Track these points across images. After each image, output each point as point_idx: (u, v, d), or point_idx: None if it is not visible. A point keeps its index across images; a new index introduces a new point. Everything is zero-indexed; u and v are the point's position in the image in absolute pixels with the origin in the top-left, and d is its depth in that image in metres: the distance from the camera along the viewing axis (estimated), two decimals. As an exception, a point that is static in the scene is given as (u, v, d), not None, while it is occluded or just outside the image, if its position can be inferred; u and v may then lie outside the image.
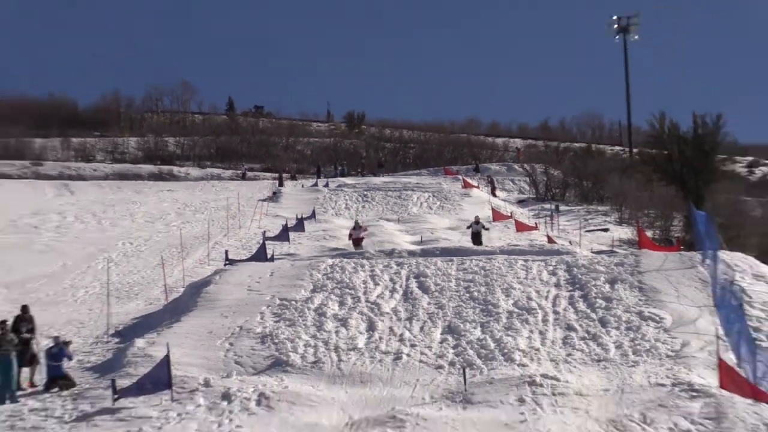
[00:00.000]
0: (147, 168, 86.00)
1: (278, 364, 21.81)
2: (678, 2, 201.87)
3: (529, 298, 25.99)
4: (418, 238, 41.56)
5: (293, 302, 25.92)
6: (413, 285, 27.35)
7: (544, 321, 24.37)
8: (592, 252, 35.30)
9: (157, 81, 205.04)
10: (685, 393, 19.02)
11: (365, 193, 59.46)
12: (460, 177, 68.06)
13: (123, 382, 19.52)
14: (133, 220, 51.57)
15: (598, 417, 18.07)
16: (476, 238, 39.85)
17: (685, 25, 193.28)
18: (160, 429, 17.40)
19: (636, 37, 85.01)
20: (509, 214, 50.07)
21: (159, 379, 19.08)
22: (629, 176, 61.84)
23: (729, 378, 19.20)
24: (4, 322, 21.16)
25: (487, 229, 40.72)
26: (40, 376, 21.25)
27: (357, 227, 39.85)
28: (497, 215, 48.73)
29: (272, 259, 33.15)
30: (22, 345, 21.15)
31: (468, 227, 41.08)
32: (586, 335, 23.34)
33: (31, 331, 22.05)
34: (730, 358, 21.18)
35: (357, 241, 38.64)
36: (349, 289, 26.99)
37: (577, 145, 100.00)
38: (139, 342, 23.20)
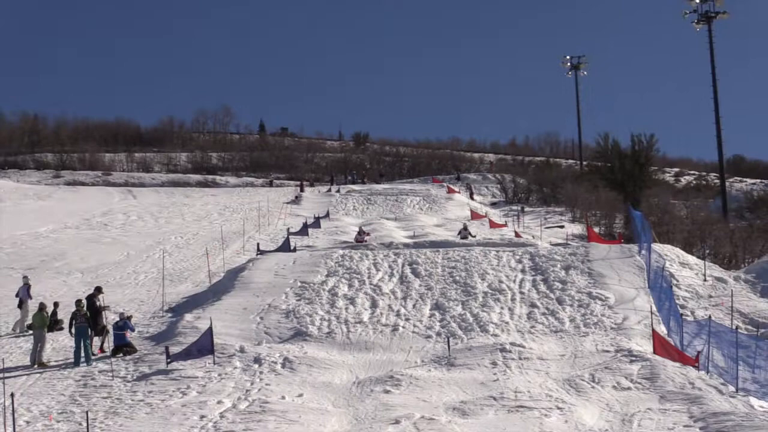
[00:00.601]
0: (195, 177, 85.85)
1: (299, 335, 21.71)
2: (619, 44, 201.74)
3: (500, 281, 25.88)
4: (412, 233, 41.41)
5: (311, 285, 25.81)
6: (407, 271, 27.23)
7: (512, 300, 24.26)
8: (550, 244, 35.16)
9: (203, 106, 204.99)
10: (625, 358, 18.94)
11: (369, 197, 59.30)
12: (445, 185, 67.99)
13: (174, 349, 19.44)
14: (184, 219, 51.42)
15: (556, 377, 17.99)
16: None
17: (626, 61, 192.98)
18: (204, 386, 17.32)
19: (585, 72, 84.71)
20: (484, 214, 49.97)
21: (203, 346, 19.02)
22: (580, 183, 61.68)
23: (661, 346, 19.15)
24: (79, 300, 21.06)
25: (473, 236, 39.32)
26: (108, 344, 21.14)
27: (361, 233, 39.44)
28: (474, 215, 48.71)
29: (294, 250, 33.01)
30: (94, 318, 21.01)
31: (458, 233, 39.74)
32: (546, 311, 23.23)
33: (101, 308, 21.87)
34: (662, 329, 21.13)
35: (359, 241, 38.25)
36: (356, 274, 26.87)
37: (538, 158, 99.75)
38: (188, 316, 23.09)
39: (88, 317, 20.59)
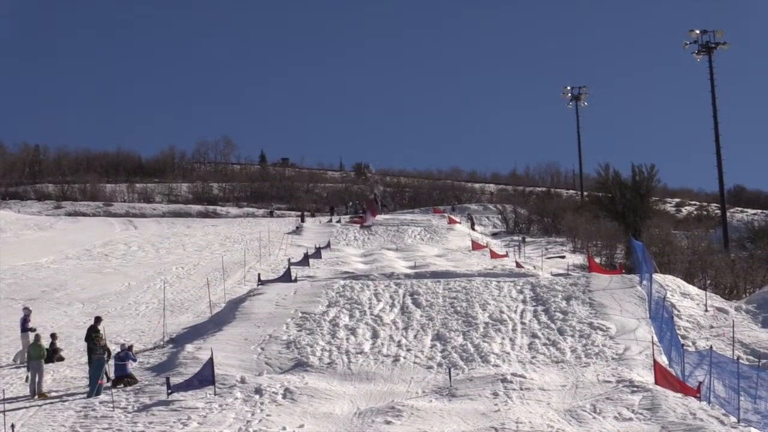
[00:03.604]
0: (196, 207, 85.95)
1: (300, 365, 21.72)
2: (620, 75, 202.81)
3: (501, 312, 25.90)
4: (413, 264, 41.44)
5: (312, 315, 25.84)
6: (408, 301, 27.27)
7: (514, 330, 24.28)
8: (551, 275, 35.19)
9: (204, 137, 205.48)
10: (627, 388, 18.94)
11: (370, 227, 59.34)
12: (446, 215, 67.99)
13: (175, 380, 19.46)
14: (185, 249, 51.48)
15: (558, 407, 17.99)
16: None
17: (627, 91, 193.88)
18: (205, 417, 17.33)
19: (585, 103, 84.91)
20: (485, 245, 50.00)
21: (204, 377, 19.04)
22: (581, 214, 61.78)
23: (662, 376, 19.14)
24: (95, 329, 21.17)
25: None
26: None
27: (374, 200, 35.07)
28: (476, 245, 48.71)
29: (296, 280, 33.04)
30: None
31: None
32: (547, 341, 23.25)
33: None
34: (663, 360, 21.13)
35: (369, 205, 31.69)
36: (357, 304, 26.91)
37: (539, 189, 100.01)
38: (189, 347, 23.10)
39: (107, 348, 20.78)
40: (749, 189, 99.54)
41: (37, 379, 19.96)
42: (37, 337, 21.19)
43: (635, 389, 18.72)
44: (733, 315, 26.12)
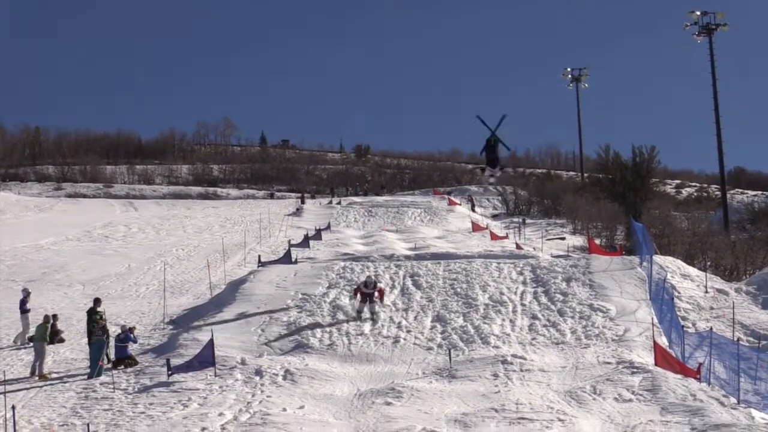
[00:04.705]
0: (196, 189, 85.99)
1: (300, 347, 21.72)
2: (621, 56, 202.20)
3: (501, 293, 25.88)
4: (413, 245, 41.40)
5: (313, 296, 25.82)
6: (408, 283, 27.24)
7: (514, 311, 24.26)
8: (551, 256, 35.15)
9: (204, 118, 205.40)
10: (627, 369, 18.93)
11: (370, 209, 59.33)
12: (446, 197, 67.98)
13: (176, 361, 19.44)
14: (185, 231, 51.45)
15: (558, 389, 17.98)
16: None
17: (628, 73, 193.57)
18: (205, 399, 17.32)
19: (586, 85, 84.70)
20: (485, 226, 49.95)
21: (205, 359, 19.03)
22: (581, 195, 61.75)
23: (662, 357, 19.13)
24: (95, 311, 21.16)
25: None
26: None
27: (369, 285, 24.06)
28: (476, 227, 48.66)
29: (296, 262, 32.99)
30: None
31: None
32: (547, 323, 23.23)
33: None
34: (663, 341, 21.12)
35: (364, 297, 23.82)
36: (358, 286, 26.86)
37: (539, 170, 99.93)
38: (189, 329, 23.10)
39: (107, 329, 20.77)
40: (749, 170, 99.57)
41: (39, 361, 19.97)
42: (46, 319, 21.28)
43: (635, 370, 18.71)
44: (733, 296, 26.10)
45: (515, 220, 58.31)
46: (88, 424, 14.53)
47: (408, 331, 22.83)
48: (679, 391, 17.14)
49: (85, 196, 78.14)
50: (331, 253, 39.14)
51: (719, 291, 26.77)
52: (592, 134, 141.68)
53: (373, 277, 25.65)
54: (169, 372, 18.76)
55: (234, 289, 27.52)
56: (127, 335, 20.87)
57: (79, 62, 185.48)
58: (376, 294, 24.13)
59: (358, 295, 24.10)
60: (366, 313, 23.79)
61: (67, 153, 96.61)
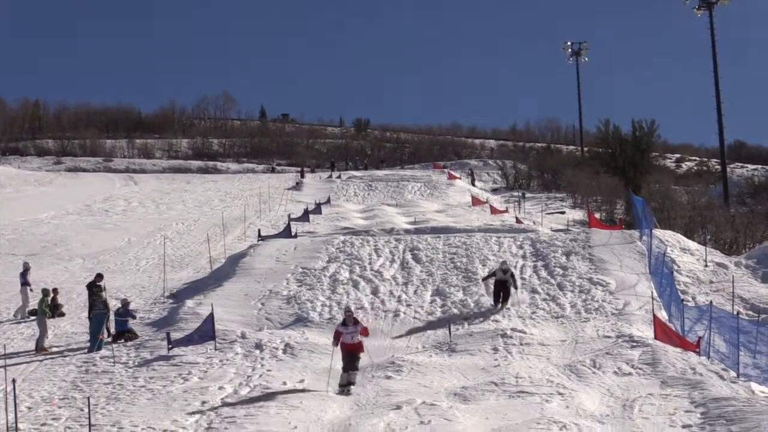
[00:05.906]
0: (196, 163, 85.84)
1: (300, 320, 21.71)
2: (621, 30, 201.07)
3: (502, 267, 25.79)
4: (413, 219, 41.35)
5: (312, 270, 25.79)
6: (408, 257, 27.20)
7: (513, 285, 24.18)
8: (551, 230, 35.12)
9: (204, 92, 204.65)
10: (626, 343, 18.92)
11: (370, 183, 59.20)
12: (446, 170, 67.87)
13: (176, 335, 19.43)
14: (185, 205, 51.37)
15: (557, 362, 17.97)
16: (500, 290, 22.43)
17: (628, 47, 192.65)
18: (205, 372, 17.31)
19: (586, 59, 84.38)
20: (485, 200, 49.91)
21: (205, 332, 19.00)
22: (581, 169, 61.66)
23: (662, 331, 19.12)
24: (96, 285, 21.13)
25: (515, 288, 22.59)
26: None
27: (348, 322, 17.00)
28: (476, 201, 48.61)
29: (296, 236, 32.96)
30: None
31: (487, 276, 23.53)
32: (547, 297, 23.21)
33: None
34: (663, 315, 21.10)
35: (350, 350, 16.78)
36: (357, 260, 26.84)
37: (539, 144, 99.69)
38: (189, 302, 23.08)
39: (107, 304, 20.74)
40: (750, 144, 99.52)
41: (39, 335, 19.97)
42: (45, 292, 21.25)
43: (635, 344, 18.70)
44: (732, 270, 26.08)
45: (515, 194, 58.23)
46: (88, 398, 14.48)
47: (408, 305, 22.82)
48: (678, 365, 17.13)
49: (84, 170, 77.99)
50: (331, 227, 39.09)
51: (719, 265, 26.74)
52: (592, 108, 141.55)
53: (352, 306, 19.92)
54: (170, 346, 18.74)
55: (234, 263, 27.49)
56: (127, 309, 20.84)
57: (79, 35, 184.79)
58: (359, 335, 16.75)
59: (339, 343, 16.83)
60: (347, 381, 16.50)
61: (67, 127, 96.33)
